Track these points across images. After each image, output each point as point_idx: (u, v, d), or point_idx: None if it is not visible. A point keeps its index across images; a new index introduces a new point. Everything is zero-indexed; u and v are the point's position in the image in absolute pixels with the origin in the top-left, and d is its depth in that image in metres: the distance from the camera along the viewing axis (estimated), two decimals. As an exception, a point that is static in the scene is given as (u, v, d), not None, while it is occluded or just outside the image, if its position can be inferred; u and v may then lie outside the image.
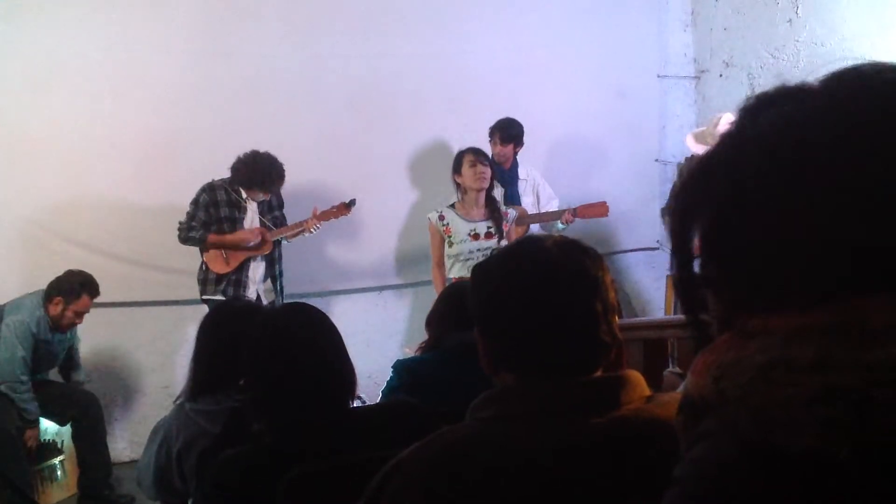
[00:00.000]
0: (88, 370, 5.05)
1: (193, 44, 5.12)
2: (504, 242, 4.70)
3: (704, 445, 0.68)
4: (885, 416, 0.59)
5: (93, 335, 5.03)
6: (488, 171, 4.68)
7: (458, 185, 4.74)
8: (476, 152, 4.73)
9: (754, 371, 0.65)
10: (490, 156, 5.11)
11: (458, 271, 4.74)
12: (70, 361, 4.80)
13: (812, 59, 5.62)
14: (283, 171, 4.75)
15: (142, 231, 5.04)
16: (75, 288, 4.44)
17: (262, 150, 4.73)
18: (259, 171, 4.70)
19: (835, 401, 0.60)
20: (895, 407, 0.59)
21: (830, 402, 0.61)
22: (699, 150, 4.98)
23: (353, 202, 4.90)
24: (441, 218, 4.77)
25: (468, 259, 4.72)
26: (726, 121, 4.88)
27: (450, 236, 4.75)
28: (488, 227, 4.71)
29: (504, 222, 4.74)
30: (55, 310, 4.45)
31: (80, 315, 4.52)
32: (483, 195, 4.71)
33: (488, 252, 4.64)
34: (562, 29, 5.86)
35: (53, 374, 4.81)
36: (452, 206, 4.81)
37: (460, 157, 4.70)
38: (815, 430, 0.60)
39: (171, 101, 5.07)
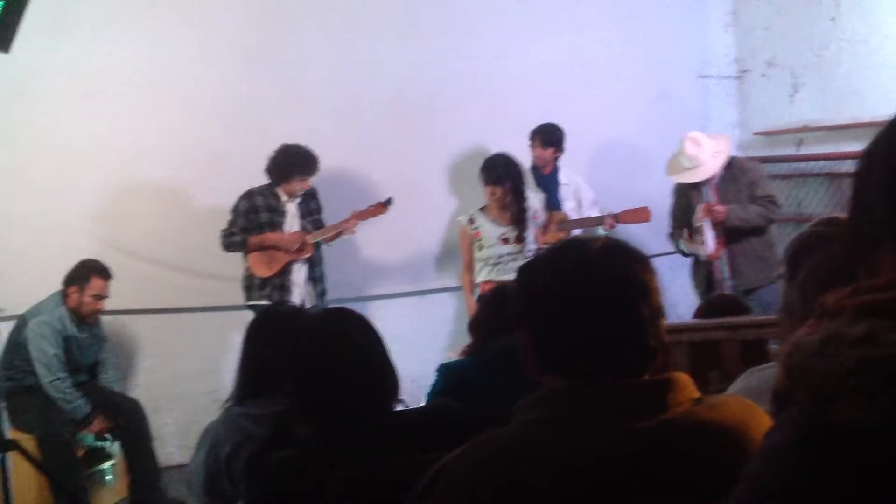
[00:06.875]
0: (136, 375, 5.12)
1: (234, 53, 5.19)
2: (531, 247, 4.67)
3: (769, 437, 0.73)
4: None
5: (140, 340, 5.10)
6: (500, 191, 4.71)
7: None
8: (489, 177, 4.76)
9: (815, 346, 0.68)
10: (530, 160, 5.21)
11: (486, 275, 4.73)
12: (98, 366, 4.79)
13: (855, 58, 5.52)
14: (315, 154, 4.77)
15: (186, 238, 5.10)
16: (83, 273, 4.52)
17: None
18: (293, 156, 4.72)
19: (867, 372, 0.63)
20: None
21: (863, 373, 0.63)
22: (675, 178, 4.88)
23: (389, 201, 4.86)
24: (471, 221, 4.78)
25: (497, 263, 4.71)
26: (692, 141, 4.72)
27: (479, 240, 4.75)
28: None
29: (530, 226, 4.72)
30: (74, 301, 4.51)
31: (98, 298, 4.56)
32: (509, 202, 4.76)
33: (518, 256, 4.64)
34: (602, 31, 5.83)
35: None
36: (483, 209, 4.81)
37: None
38: (849, 401, 0.63)
39: (212, 110, 5.14)
